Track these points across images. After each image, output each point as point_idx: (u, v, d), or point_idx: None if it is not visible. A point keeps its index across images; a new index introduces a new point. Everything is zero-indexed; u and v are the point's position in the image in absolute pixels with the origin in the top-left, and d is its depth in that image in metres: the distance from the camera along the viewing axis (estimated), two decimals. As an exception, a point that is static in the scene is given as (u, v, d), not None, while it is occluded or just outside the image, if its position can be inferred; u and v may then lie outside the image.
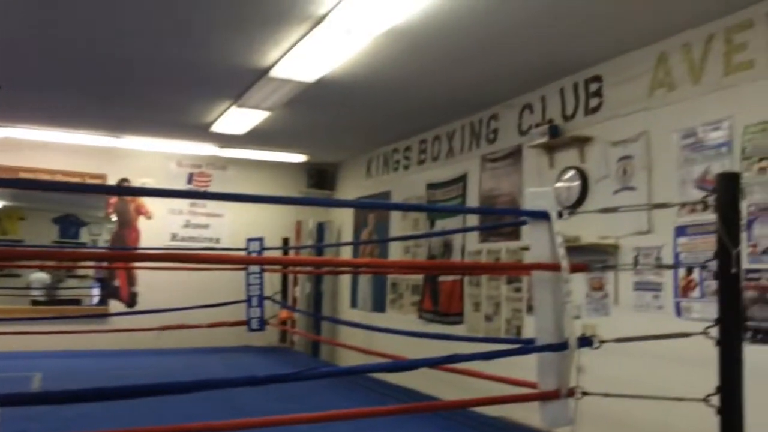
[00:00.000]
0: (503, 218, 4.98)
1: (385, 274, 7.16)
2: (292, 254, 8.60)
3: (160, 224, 8.37)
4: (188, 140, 7.55)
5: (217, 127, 6.51)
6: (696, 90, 3.73)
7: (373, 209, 7.88)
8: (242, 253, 7.02)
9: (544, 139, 4.74)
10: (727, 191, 2.39)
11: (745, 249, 3.33)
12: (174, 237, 8.43)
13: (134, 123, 6.82)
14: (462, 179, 6.06)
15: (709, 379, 2.29)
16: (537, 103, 5.06)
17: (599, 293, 4.33)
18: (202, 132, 6.86)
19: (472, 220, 5.82)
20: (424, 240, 6.62)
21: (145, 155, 8.16)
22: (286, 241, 8.71)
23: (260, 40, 4.08)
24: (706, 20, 3.61)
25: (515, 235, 5.15)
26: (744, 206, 3.34)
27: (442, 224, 6.34)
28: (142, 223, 8.34)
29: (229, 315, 7.29)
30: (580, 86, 4.61)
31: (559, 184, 4.69)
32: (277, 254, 8.32)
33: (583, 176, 4.52)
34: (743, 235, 3.32)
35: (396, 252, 7.19)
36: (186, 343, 7.81)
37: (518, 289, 5.14)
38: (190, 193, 7.76)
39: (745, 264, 3.33)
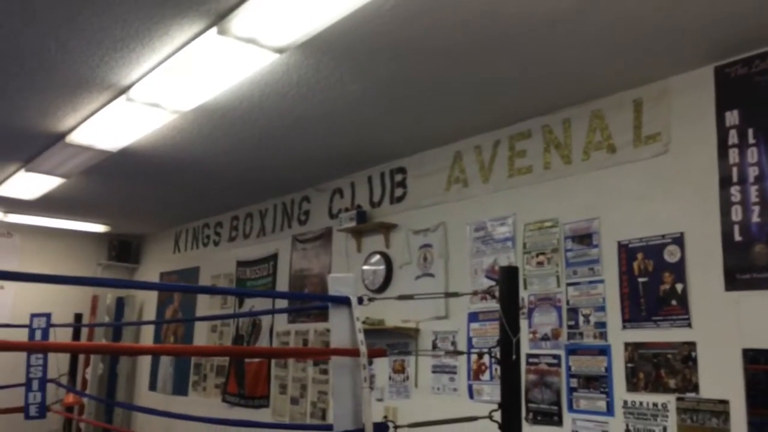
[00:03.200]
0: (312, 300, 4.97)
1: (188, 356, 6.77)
2: (85, 333, 7.83)
3: None
4: (-35, 203, 6.72)
5: (1, 191, 5.88)
6: (486, 188, 4.08)
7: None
8: (24, 331, 6.24)
9: (352, 224, 4.88)
10: (507, 283, 2.59)
11: (526, 335, 3.63)
12: (-59, 311, 7.33)
13: None
14: (273, 258, 6.01)
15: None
16: (347, 189, 5.22)
17: (401, 376, 4.44)
18: (-19, 195, 6.16)
19: (282, 300, 5.76)
20: (232, 319, 6.40)
21: None
22: (78, 317, 7.92)
23: (55, 104, 3.80)
24: (494, 127, 4.01)
25: (323, 317, 5.16)
26: (525, 296, 3.67)
27: (251, 303, 6.19)
28: None
29: (2, 400, 6.38)
30: (387, 176, 4.85)
31: (365, 267, 4.82)
32: (68, 332, 7.53)
33: (388, 261, 4.69)
34: (525, 323, 3.64)
35: (202, 330, 6.86)
36: (-57, 436, 6.68)
37: (324, 371, 5.12)
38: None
39: (527, 349, 3.63)
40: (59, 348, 3.53)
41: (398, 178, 4.75)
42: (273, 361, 5.72)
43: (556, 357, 3.53)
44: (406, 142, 4.41)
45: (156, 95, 3.51)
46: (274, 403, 5.62)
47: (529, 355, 3.63)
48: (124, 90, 3.53)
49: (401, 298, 3.37)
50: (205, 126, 4.13)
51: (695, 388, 2.94)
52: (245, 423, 4.37)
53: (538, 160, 3.79)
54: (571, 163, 3.62)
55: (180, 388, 7.00)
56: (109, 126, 4.04)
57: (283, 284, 5.81)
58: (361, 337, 2.71)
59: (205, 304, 6.88)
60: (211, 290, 7.13)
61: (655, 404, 3.07)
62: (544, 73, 3.27)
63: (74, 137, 4.28)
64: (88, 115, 3.96)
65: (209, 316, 6.66)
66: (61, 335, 6.48)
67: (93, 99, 3.70)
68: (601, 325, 3.35)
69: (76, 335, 7.23)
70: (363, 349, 2.68)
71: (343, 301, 2.77)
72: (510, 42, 2.94)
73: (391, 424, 2.71)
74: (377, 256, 4.76)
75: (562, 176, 3.66)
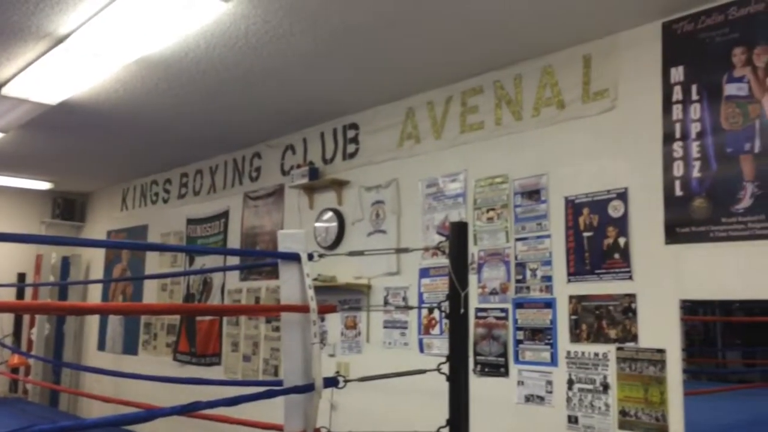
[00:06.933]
0: (263, 257, 4.95)
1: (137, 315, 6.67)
2: (29, 293, 7.63)
3: None
4: None
5: (-64, 146, 5.61)
6: (438, 144, 4.08)
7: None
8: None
9: (304, 180, 4.83)
10: (457, 238, 2.62)
11: (475, 290, 3.69)
12: None
13: None
14: (224, 215, 5.92)
15: (444, 411, 2.46)
16: (299, 145, 5.15)
17: (353, 332, 4.47)
18: None
19: (234, 258, 5.70)
20: (182, 277, 6.32)
21: None
22: (22, 277, 7.71)
23: (-12, 53, 3.62)
24: (446, 83, 3.99)
25: (275, 275, 5.11)
26: (475, 251, 3.72)
27: (201, 261, 6.12)
28: None
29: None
30: (339, 132, 4.80)
31: (318, 224, 4.80)
32: (10, 292, 7.32)
33: (340, 218, 4.68)
34: (474, 278, 3.70)
35: (152, 290, 6.76)
36: None
37: (277, 329, 5.12)
38: None
39: (476, 303, 3.70)
40: (3, 307, 3.43)
41: (351, 134, 4.71)
42: (225, 319, 5.70)
43: (504, 310, 3.61)
44: (359, 98, 4.36)
45: (96, 45, 3.36)
46: (226, 361, 5.62)
47: (477, 309, 3.70)
48: (61, 39, 3.37)
49: (352, 254, 3.38)
50: (150, 78, 3.98)
51: (634, 338, 3.05)
52: (197, 381, 4.37)
53: (490, 116, 3.80)
54: (522, 119, 3.64)
55: (130, 347, 6.92)
56: (47, 77, 3.87)
57: (234, 242, 5.74)
58: (311, 293, 2.71)
59: (154, 263, 6.77)
60: (161, 247, 7.02)
61: (596, 354, 3.18)
62: (497, 28, 3.25)
63: (9, 89, 4.09)
64: (23, 66, 3.77)
65: (159, 274, 6.56)
66: (3, 296, 6.31)
67: (28, 48, 3.52)
68: (547, 278, 3.43)
69: (20, 295, 7.05)
70: (313, 305, 2.69)
71: (293, 258, 2.76)
72: (462, -5, 2.90)
73: (341, 378, 2.74)
74: (330, 213, 4.74)
75: (513, 132, 3.68)
